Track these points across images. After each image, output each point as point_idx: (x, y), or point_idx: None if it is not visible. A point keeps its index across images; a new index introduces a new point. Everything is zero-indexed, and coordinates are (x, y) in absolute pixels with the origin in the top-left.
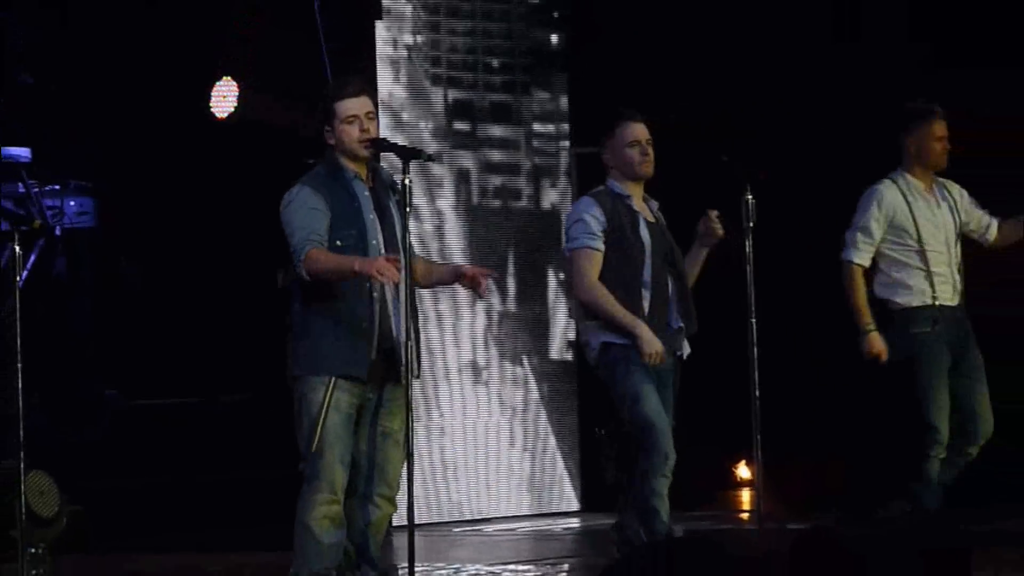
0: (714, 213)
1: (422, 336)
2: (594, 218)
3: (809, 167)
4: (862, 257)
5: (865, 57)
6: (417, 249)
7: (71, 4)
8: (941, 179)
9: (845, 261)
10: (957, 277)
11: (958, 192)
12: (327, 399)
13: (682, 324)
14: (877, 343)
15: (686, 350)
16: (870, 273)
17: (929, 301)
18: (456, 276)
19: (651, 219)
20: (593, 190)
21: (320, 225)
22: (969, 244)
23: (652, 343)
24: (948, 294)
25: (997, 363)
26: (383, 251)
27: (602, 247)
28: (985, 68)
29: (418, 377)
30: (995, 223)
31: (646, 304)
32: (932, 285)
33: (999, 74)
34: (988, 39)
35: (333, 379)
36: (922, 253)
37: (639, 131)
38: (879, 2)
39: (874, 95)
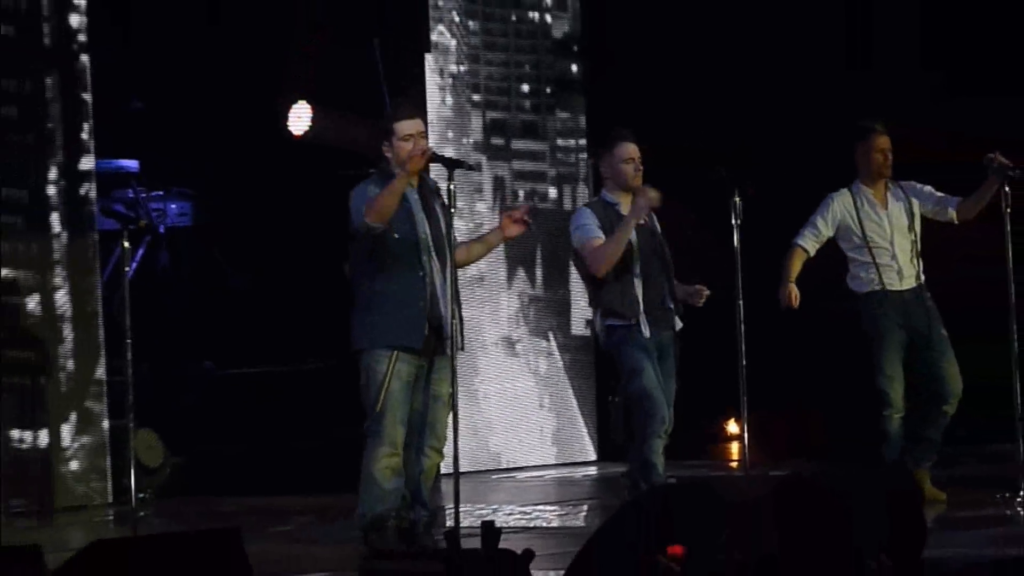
0: (704, 292)
1: (464, 315)
2: (592, 221)
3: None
4: (805, 241)
5: (878, 85)
6: (458, 242)
7: (172, 40)
8: (901, 182)
9: (792, 243)
10: (908, 264)
11: (914, 190)
12: (390, 369)
13: (672, 305)
14: (786, 294)
15: (678, 324)
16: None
17: (877, 288)
18: (503, 232)
19: (641, 223)
20: (589, 201)
21: None
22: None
23: (641, 208)
24: (895, 281)
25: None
26: (431, 243)
27: (603, 236)
28: (997, 96)
29: (462, 350)
30: (952, 206)
31: (639, 290)
32: (879, 274)
33: (1012, 102)
34: (1000, 67)
35: (395, 352)
36: (868, 249)
37: (632, 150)
38: (891, 31)
39: (887, 121)
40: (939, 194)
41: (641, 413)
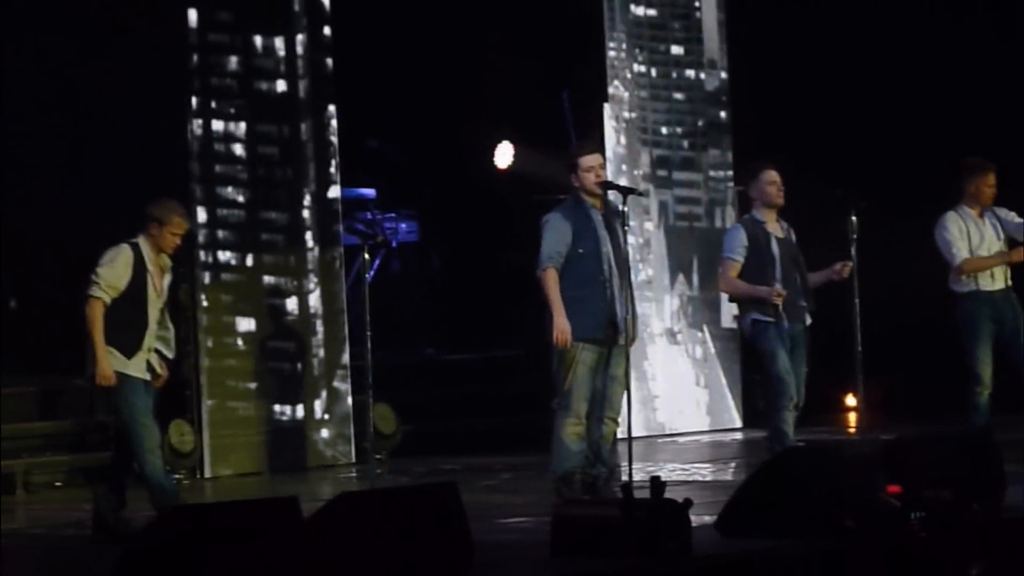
0: (848, 265)
1: (637, 311)
2: (738, 239)
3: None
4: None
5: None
6: (631, 254)
7: (400, 90)
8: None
9: (954, 261)
10: (998, 270)
11: (1005, 216)
12: (578, 356)
13: (805, 303)
14: None
15: (808, 320)
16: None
17: (974, 288)
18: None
19: (780, 235)
20: (741, 218)
21: (562, 245)
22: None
23: (771, 294)
24: (989, 283)
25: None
26: (612, 257)
27: (740, 258)
28: None
29: (634, 340)
30: None
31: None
32: (976, 277)
33: None
34: None
35: (582, 344)
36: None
37: (775, 176)
38: None
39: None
40: (1019, 220)
41: (774, 391)
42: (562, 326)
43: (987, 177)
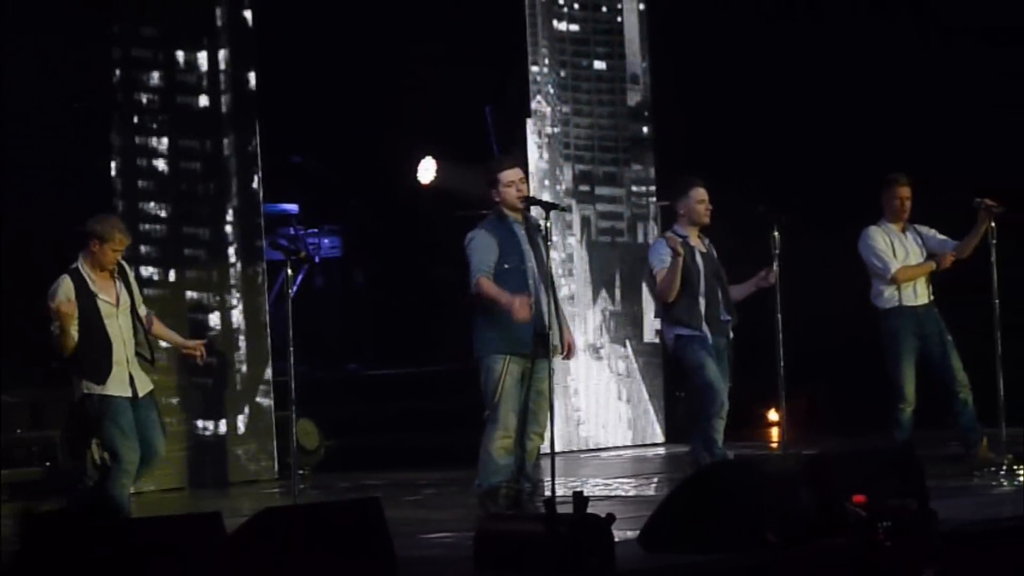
0: (771, 273)
1: (567, 324)
2: (664, 251)
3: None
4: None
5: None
6: (555, 271)
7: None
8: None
9: (887, 273)
10: (921, 285)
11: (924, 232)
12: (505, 369)
13: (728, 317)
14: None
15: (731, 335)
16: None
17: (897, 304)
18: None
19: (703, 250)
20: (664, 233)
21: (491, 258)
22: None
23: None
24: (912, 297)
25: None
26: (536, 271)
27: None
28: None
29: (572, 352)
30: (950, 248)
31: (702, 307)
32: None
33: None
34: None
35: (508, 356)
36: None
37: (704, 193)
38: None
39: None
40: (941, 237)
41: (705, 400)
42: (512, 300)
43: (901, 190)
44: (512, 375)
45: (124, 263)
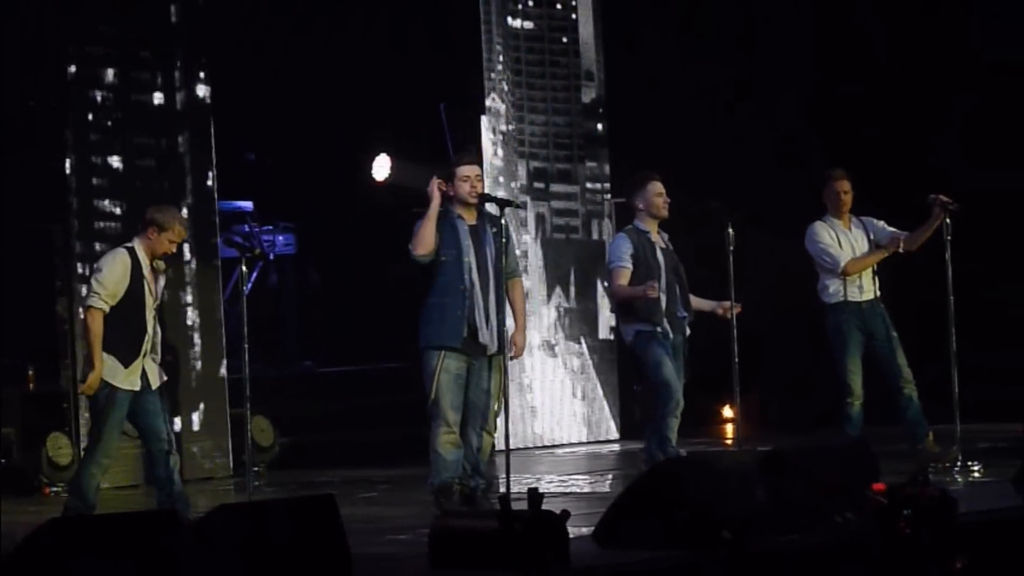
0: (727, 308)
1: (507, 322)
2: (624, 247)
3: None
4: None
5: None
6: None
7: (278, 104)
8: (861, 216)
9: (838, 266)
10: (867, 280)
11: (871, 224)
12: (439, 364)
13: (685, 314)
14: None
15: (687, 330)
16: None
17: (842, 299)
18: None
19: (663, 246)
20: (625, 228)
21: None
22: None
23: (648, 288)
24: (857, 293)
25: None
26: (475, 267)
27: (629, 265)
28: None
29: (502, 353)
30: (901, 239)
31: (663, 303)
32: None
33: None
34: None
35: (442, 351)
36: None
37: (661, 187)
38: None
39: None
40: (891, 229)
41: (660, 398)
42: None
43: (840, 184)
44: (448, 371)
45: (163, 264)
